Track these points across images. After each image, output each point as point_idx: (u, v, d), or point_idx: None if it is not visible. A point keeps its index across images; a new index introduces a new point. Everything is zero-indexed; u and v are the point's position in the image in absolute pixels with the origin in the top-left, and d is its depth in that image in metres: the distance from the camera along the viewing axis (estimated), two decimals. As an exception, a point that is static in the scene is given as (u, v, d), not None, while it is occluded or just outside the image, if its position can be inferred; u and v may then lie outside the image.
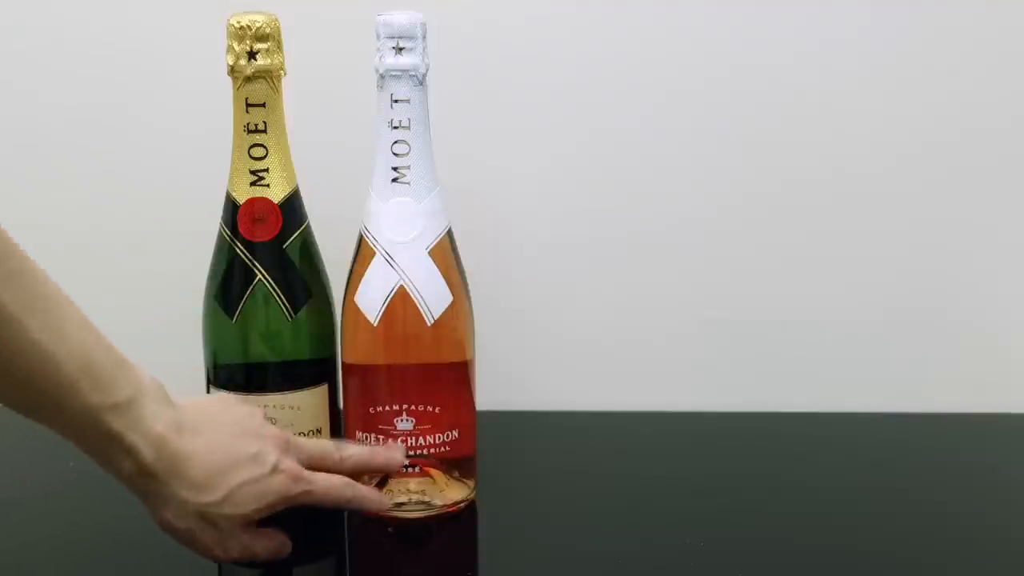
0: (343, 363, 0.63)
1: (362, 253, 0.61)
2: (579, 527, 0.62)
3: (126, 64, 0.80)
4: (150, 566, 0.57)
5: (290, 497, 0.52)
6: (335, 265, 0.64)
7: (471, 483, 0.64)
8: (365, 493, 0.57)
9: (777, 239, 0.81)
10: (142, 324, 0.78)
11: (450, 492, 0.62)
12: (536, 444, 0.76)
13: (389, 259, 0.59)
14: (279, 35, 0.59)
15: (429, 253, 0.60)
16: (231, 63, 0.58)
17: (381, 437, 0.61)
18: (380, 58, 0.58)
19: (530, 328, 0.83)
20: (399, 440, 0.60)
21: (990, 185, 0.80)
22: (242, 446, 0.50)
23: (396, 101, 0.58)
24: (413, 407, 0.60)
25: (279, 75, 0.60)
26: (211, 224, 0.62)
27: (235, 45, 0.58)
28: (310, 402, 0.62)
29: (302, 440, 0.56)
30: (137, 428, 0.46)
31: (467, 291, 0.63)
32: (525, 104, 0.80)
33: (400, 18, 0.57)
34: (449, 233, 0.62)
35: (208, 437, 0.49)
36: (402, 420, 0.60)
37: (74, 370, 0.43)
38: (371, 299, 0.60)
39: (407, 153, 0.59)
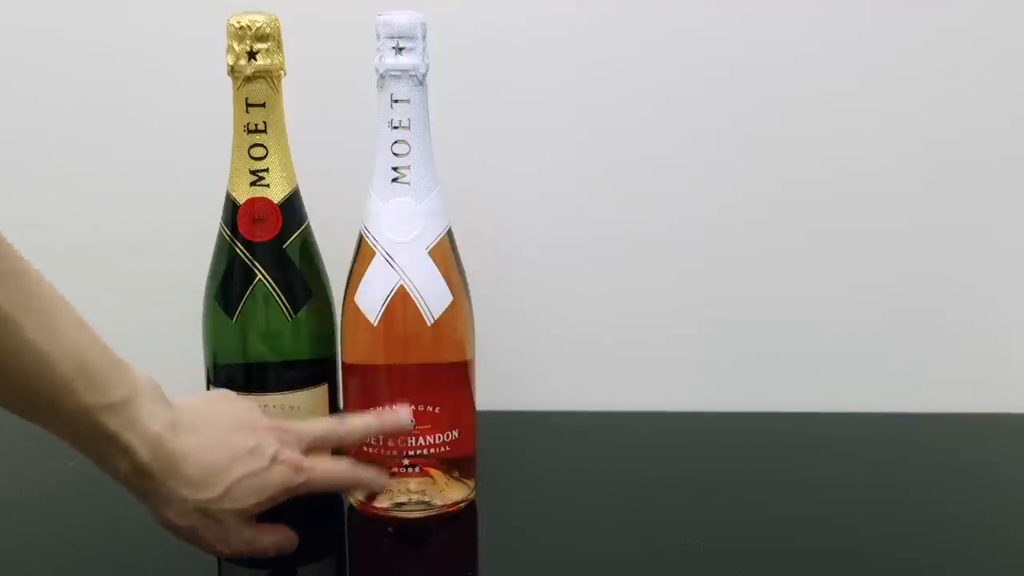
0: (343, 363, 0.63)
1: (362, 253, 0.61)
2: (579, 527, 0.62)
3: (126, 64, 0.81)
4: (148, 566, 0.57)
5: (292, 487, 0.52)
6: (335, 265, 0.64)
7: (471, 483, 0.64)
8: (366, 475, 0.57)
9: (777, 239, 0.81)
10: (142, 324, 0.78)
11: (450, 492, 0.62)
12: (536, 444, 0.76)
13: (389, 259, 0.59)
14: (279, 35, 0.59)
15: (429, 253, 0.60)
16: (231, 63, 0.58)
17: (381, 436, 0.61)
18: (380, 58, 0.58)
19: (530, 328, 0.83)
20: (399, 440, 0.60)
21: (990, 185, 0.80)
22: (239, 440, 0.50)
23: (396, 101, 0.58)
24: (413, 407, 0.60)
25: (279, 75, 0.60)
26: (211, 224, 0.62)
27: (235, 45, 0.58)
28: (310, 402, 0.62)
29: (303, 425, 0.55)
30: (133, 428, 0.46)
31: (467, 291, 0.63)
32: (525, 104, 0.80)
33: (400, 18, 0.57)
34: (449, 233, 0.62)
35: (205, 434, 0.49)
36: (402, 420, 0.60)
37: (69, 370, 0.43)
38: (371, 299, 0.60)
39: (407, 153, 0.59)
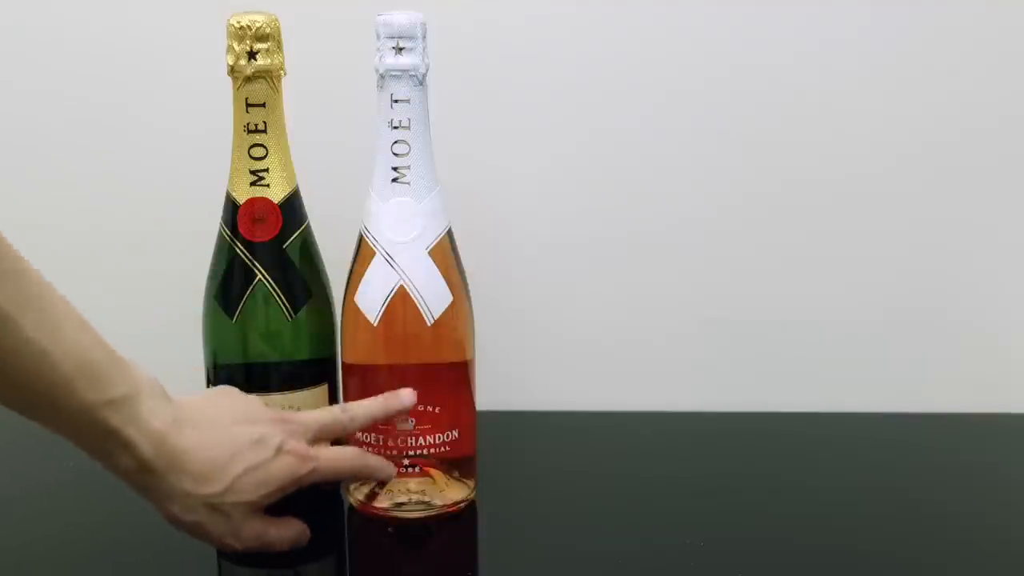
0: (343, 363, 0.63)
1: (362, 253, 0.61)
2: (579, 527, 0.62)
3: (126, 64, 0.81)
4: (149, 564, 0.57)
5: (298, 477, 0.52)
6: (335, 265, 0.64)
7: (471, 483, 0.64)
8: (374, 462, 0.57)
9: (777, 239, 0.81)
10: (142, 324, 0.78)
11: (450, 492, 0.62)
12: (536, 444, 0.76)
13: (389, 259, 0.59)
14: (279, 35, 0.59)
15: (429, 253, 0.60)
16: (231, 63, 0.58)
17: (381, 436, 0.61)
18: (380, 58, 0.58)
19: (530, 328, 0.83)
20: (399, 440, 0.60)
21: (990, 185, 0.80)
22: (242, 433, 0.50)
23: (396, 101, 0.58)
24: (413, 407, 0.60)
25: (279, 75, 0.60)
26: (211, 224, 0.62)
27: (235, 45, 0.58)
28: (310, 402, 0.62)
29: (306, 415, 0.55)
30: (135, 424, 0.46)
31: (467, 291, 0.63)
32: (525, 104, 0.80)
33: (400, 18, 0.57)
34: (449, 233, 0.62)
35: (207, 429, 0.49)
36: (402, 420, 0.60)
37: (70, 369, 0.43)
38: (371, 299, 0.60)
39: (407, 153, 0.59)
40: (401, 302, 0.59)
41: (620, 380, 0.84)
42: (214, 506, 0.49)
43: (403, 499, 0.61)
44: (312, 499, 0.55)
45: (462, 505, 0.63)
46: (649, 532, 0.61)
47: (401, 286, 0.59)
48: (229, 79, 0.59)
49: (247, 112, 0.59)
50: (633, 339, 0.83)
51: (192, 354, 0.64)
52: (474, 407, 0.64)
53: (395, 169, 0.59)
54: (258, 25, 0.58)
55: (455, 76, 0.74)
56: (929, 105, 0.79)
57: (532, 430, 0.79)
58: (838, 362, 0.83)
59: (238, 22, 0.58)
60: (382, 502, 0.61)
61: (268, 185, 0.60)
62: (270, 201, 0.60)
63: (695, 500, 0.66)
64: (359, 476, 0.57)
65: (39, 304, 0.43)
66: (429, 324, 0.60)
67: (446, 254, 0.61)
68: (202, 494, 0.48)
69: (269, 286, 0.60)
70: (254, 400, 0.55)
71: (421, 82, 0.59)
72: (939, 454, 0.75)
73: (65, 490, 0.66)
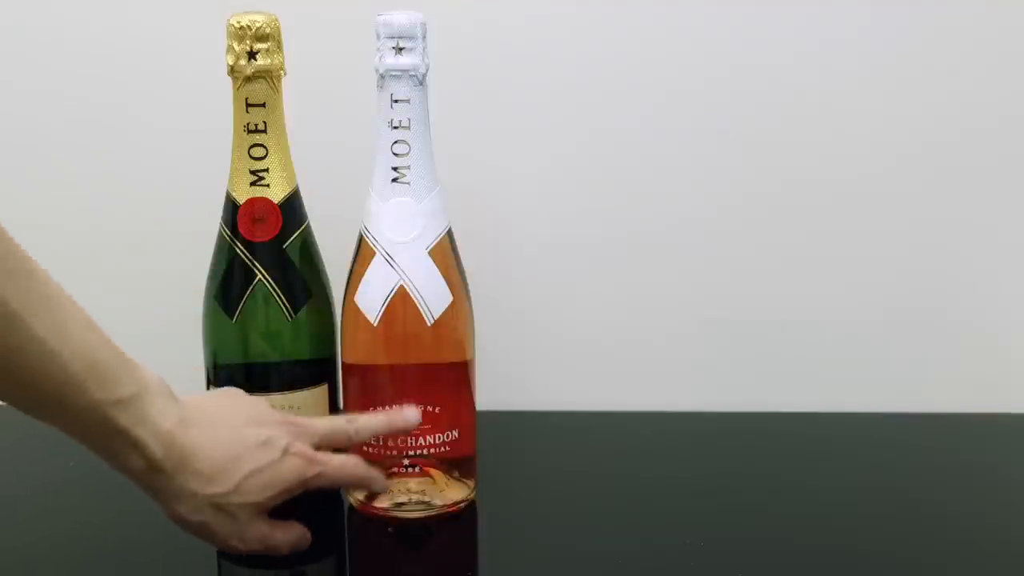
0: (343, 363, 0.63)
1: (362, 253, 0.61)
2: (579, 527, 0.62)
3: (126, 64, 0.81)
4: (151, 563, 0.57)
5: (305, 480, 0.52)
6: (335, 265, 0.64)
7: (471, 483, 0.64)
8: (373, 474, 0.57)
9: (777, 239, 0.81)
10: (142, 324, 0.78)
11: (450, 492, 0.62)
12: (536, 444, 0.76)
13: (389, 259, 0.59)
14: (279, 35, 0.59)
15: (429, 253, 0.60)
16: (231, 63, 0.58)
17: (381, 436, 0.61)
18: (380, 58, 0.58)
19: (530, 328, 0.83)
20: (399, 440, 0.60)
21: (990, 185, 0.80)
22: (250, 434, 0.50)
23: (396, 101, 0.58)
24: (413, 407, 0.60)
25: (279, 75, 0.60)
26: (211, 224, 0.62)
27: (235, 45, 0.58)
28: (310, 402, 0.62)
29: (311, 421, 0.55)
30: (144, 423, 0.46)
31: (467, 291, 0.63)
32: (525, 104, 0.80)
33: (400, 18, 0.57)
34: (449, 233, 0.61)
35: (215, 430, 0.49)
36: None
37: (79, 368, 0.43)
38: (371, 299, 0.60)
39: (407, 153, 0.59)
40: (401, 302, 0.59)
41: (620, 380, 0.84)
42: (221, 507, 0.49)
43: (403, 499, 0.61)
44: (313, 499, 0.55)
45: (462, 505, 0.63)
46: (649, 532, 0.61)
47: (401, 286, 0.59)
48: (229, 79, 0.59)
49: (247, 112, 0.59)
50: (633, 339, 0.83)
51: (192, 354, 0.64)
52: (474, 407, 0.64)
53: (395, 169, 0.59)
54: (258, 25, 0.58)
55: (455, 76, 0.74)
56: (929, 105, 0.79)
57: (532, 430, 0.79)
58: (838, 362, 0.83)
59: (238, 22, 0.58)
60: (382, 502, 0.61)
61: (268, 185, 0.60)
62: (270, 201, 0.60)
63: (695, 500, 0.66)
64: (358, 485, 0.57)
65: (47, 303, 0.43)
66: (429, 324, 0.60)
67: (446, 254, 0.61)
68: (209, 494, 0.48)
69: (269, 286, 0.60)
70: (260, 402, 0.55)
71: (421, 82, 0.59)
72: (939, 454, 0.75)
73: (68, 489, 0.66)
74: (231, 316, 0.61)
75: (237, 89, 0.59)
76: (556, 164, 0.81)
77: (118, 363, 0.46)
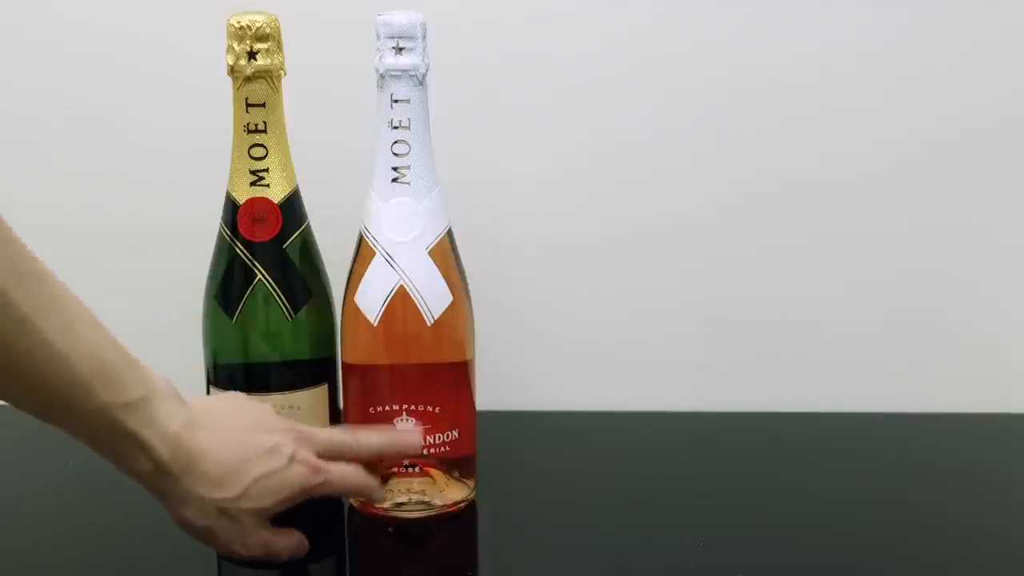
0: (343, 363, 0.63)
1: (362, 253, 0.61)
2: (579, 527, 0.62)
3: (126, 64, 0.81)
4: (151, 564, 0.57)
5: (309, 488, 0.52)
6: (335, 265, 0.64)
7: (471, 483, 0.64)
8: (373, 484, 0.57)
9: (777, 239, 0.81)
10: (142, 324, 0.78)
11: (450, 492, 0.62)
12: (536, 444, 0.76)
13: (389, 259, 0.59)
14: (279, 35, 0.59)
15: (429, 253, 0.60)
16: (231, 63, 0.58)
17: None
18: (380, 58, 0.58)
19: (530, 328, 0.83)
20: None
21: (990, 185, 0.80)
22: (257, 440, 0.50)
23: (396, 101, 0.58)
24: (413, 407, 0.60)
25: (279, 75, 0.60)
26: (211, 224, 0.62)
27: (235, 45, 0.58)
28: (310, 402, 0.62)
29: (317, 431, 0.55)
30: (151, 426, 0.46)
31: (467, 291, 0.63)
32: (525, 104, 0.80)
33: (400, 18, 0.57)
34: (449, 233, 0.62)
35: (222, 434, 0.49)
36: (402, 420, 0.60)
37: (87, 370, 0.43)
38: (371, 299, 0.60)
39: (407, 153, 0.59)
40: (401, 302, 0.59)
41: (620, 380, 0.84)
42: (226, 511, 0.49)
43: (403, 499, 0.61)
44: (313, 502, 0.55)
45: (462, 505, 0.63)
46: (649, 532, 0.61)
47: (401, 286, 0.59)
48: (229, 79, 0.59)
49: (247, 112, 0.59)
50: (633, 339, 0.83)
51: (192, 354, 0.64)
52: (474, 407, 0.64)
53: (395, 169, 0.59)
54: (258, 25, 0.58)
55: (455, 76, 0.74)
56: (929, 105, 0.79)
57: (532, 430, 0.79)
58: (838, 362, 0.83)
59: (238, 22, 0.58)
60: (382, 502, 0.61)
61: (268, 185, 0.60)
62: (270, 201, 0.60)
63: (695, 500, 0.66)
64: (357, 494, 0.57)
65: (54, 304, 0.42)
66: (429, 324, 0.60)
67: (446, 254, 0.61)
68: (216, 498, 0.48)
69: (269, 286, 0.60)
70: (266, 408, 0.55)
71: (421, 82, 0.59)
72: (939, 454, 0.75)
73: (69, 489, 0.66)
74: (231, 316, 0.61)
75: (237, 89, 0.59)
76: (556, 164, 0.81)
77: (124, 364, 0.45)
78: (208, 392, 0.63)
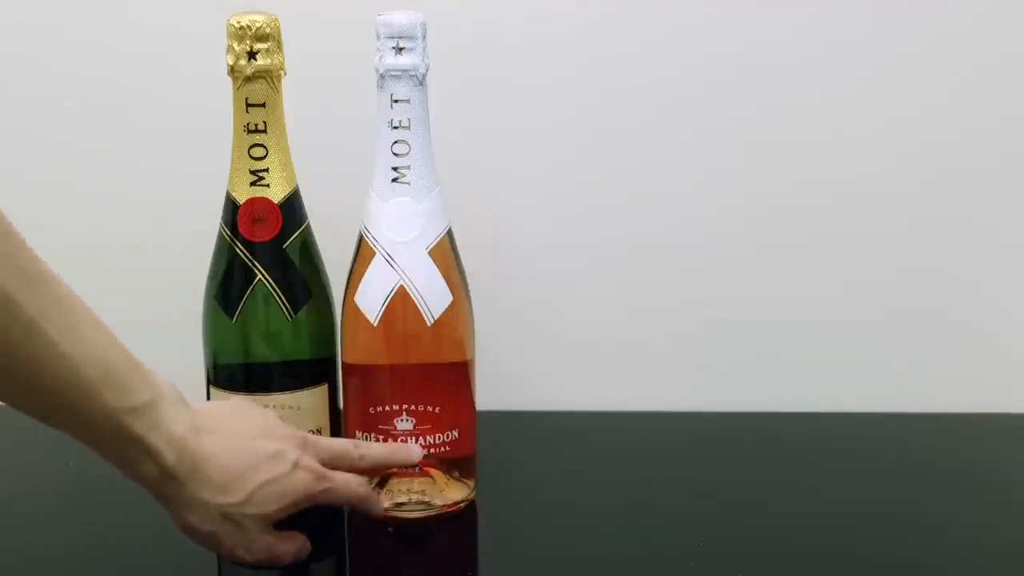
0: (343, 363, 0.63)
1: (362, 253, 0.61)
2: (579, 527, 0.62)
3: (126, 64, 0.81)
4: (151, 565, 0.57)
5: (312, 495, 0.52)
6: (335, 265, 0.64)
7: (471, 483, 0.64)
8: (374, 497, 0.58)
9: (777, 239, 0.81)
10: (142, 324, 0.78)
11: (450, 492, 0.62)
12: (536, 444, 0.76)
13: (389, 259, 0.59)
14: (279, 35, 0.59)
15: (429, 253, 0.60)
16: (231, 63, 0.58)
17: (381, 437, 0.61)
18: (380, 58, 0.58)
19: (530, 328, 0.83)
20: (399, 440, 0.60)
21: (990, 185, 0.80)
22: (261, 446, 0.51)
23: (396, 101, 0.58)
24: (413, 407, 0.60)
25: (279, 75, 0.60)
26: (211, 224, 0.62)
27: (235, 45, 0.58)
28: (310, 402, 0.62)
29: (319, 439, 0.56)
30: (158, 430, 0.46)
31: (467, 291, 0.63)
32: (525, 104, 0.80)
33: (400, 18, 0.57)
34: (449, 233, 0.61)
35: (227, 439, 0.50)
36: (402, 420, 0.60)
37: (92, 374, 0.43)
38: (371, 299, 0.60)
39: (407, 153, 0.59)
40: (401, 302, 0.59)
41: (620, 380, 0.84)
42: (230, 516, 0.49)
43: (403, 499, 0.61)
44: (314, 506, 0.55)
45: (462, 505, 0.63)
46: (649, 532, 0.61)
47: (401, 286, 0.59)
48: (229, 79, 0.59)
49: (247, 112, 0.59)
50: (633, 339, 0.83)
51: (192, 354, 0.64)
52: (474, 407, 0.64)
53: (395, 169, 0.59)
54: (258, 25, 0.58)
55: (455, 76, 0.74)
56: (929, 105, 0.79)
57: (532, 430, 0.79)
58: (838, 362, 0.83)
59: (238, 22, 0.58)
60: (382, 502, 0.61)
61: (268, 185, 0.60)
62: (270, 201, 0.60)
63: (695, 500, 0.66)
64: (358, 505, 0.57)
65: (59, 306, 0.42)
66: (429, 324, 0.60)
67: (446, 254, 0.61)
68: (221, 503, 0.48)
69: (269, 286, 0.60)
70: (269, 414, 0.55)
71: (421, 82, 0.59)
72: (939, 454, 0.75)
73: (69, 489, 0.66)
74: (231, 316, 0.61)
75: (237, 89, 0.59)
76: (556, 164, 0.81)
77: (129, 368, 0.45)
78: (208, 392, 0.63)
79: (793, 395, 0.82)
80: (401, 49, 0.57)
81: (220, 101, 0.61)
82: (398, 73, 0.58)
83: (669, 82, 0.79)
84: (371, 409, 0.61)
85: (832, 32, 0.78)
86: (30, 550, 0.59)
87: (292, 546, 0.54)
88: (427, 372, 0.61)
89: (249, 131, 0.59)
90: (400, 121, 0.59)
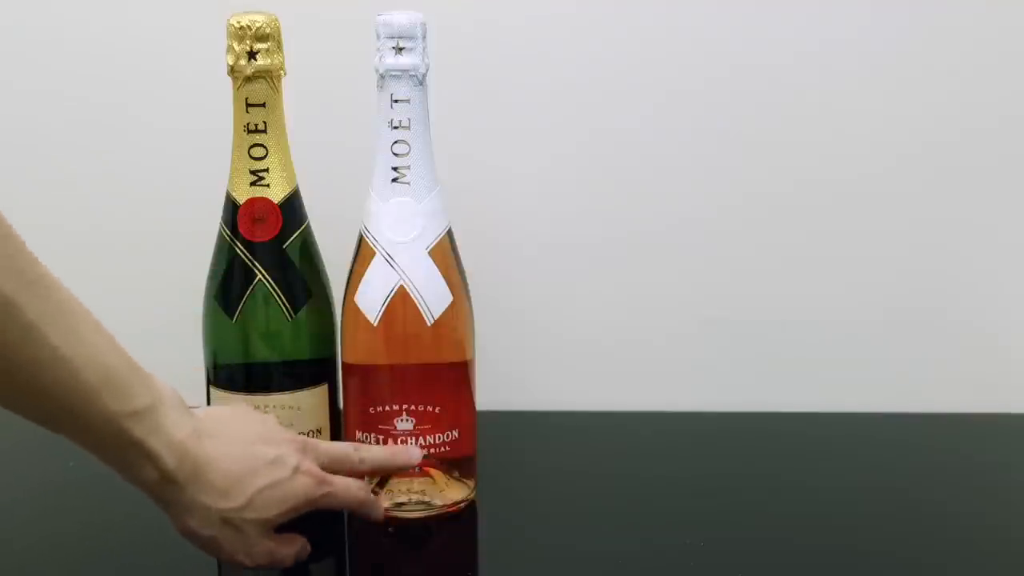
0: (343, 363, 0.63)
1: (362, 253, 0.61)
2: (579, 527, 0.62)
3: (126, 64, 0.81)
4: (151, 565, 0.57)
5: (313, 499, 0.52)
6: (335, 265, 0.64)
7: (471, 483, 0.64)
8: (374, 501, 0.58)
9: (777, 239, 0.81)
10: (142, 324, 0.78)
11: (450, 492, 0.62)
12: (536, 444, 0.76)
13: (389, 259, 0.59)
14: (279, 35, 0.59)
15: (429, 253, 0.60)
16: (231, 63, 0.58)
17: (381, 437, 0.61)
18: (380, 58, 0.58)
19: (530, 328, 0.83)
20: (399, 440, 0.60)
21: (990, 185, 0.80)
22: (261, 451, 0.51)
23: (396, 101, 0.58)
24: (413, 407, 0.60)
25: (279, 75, 0.60)
26: (211, 224, 0.62)
27: (235, 45, 0.58)
28: (310, 402, 0.62)
29: (320, 443, 0.56)
30: (158, 435, 0.46)
31: (467, 291, 0.63)
32: (525, 104, 0.80)
33: (400, 18, 0.57)
34: (449, 233, 0.62)
35: (228, 444, 0.50)
36: (402, 420, 0.60)
37: (93, 378, 0.43)
38: (371, 299, 0.60)
39: (407, 153, 0.59)
40: (401, 302, 0.59)
41: (620, 380, 0.84)
42: (230, 521, 0.49)
43: (403, 499, 0.61)
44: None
45: (462, 505, 0.63)
46: (649, 532, 0.61)
47: (401, 286, 0.59)
48: (229, 79, 0.59)
49: (247, 112, 0.59)
50: (633, 339, 0.83)
51: (192, 354, 0.64)
52: (474, 407, 0.64)
53: (395, 169, 0.59)
54: (258, 25, 0.58)
55: (455, 76, 0.74)
56: (929, 105, 0.79)
57: (532, 430, 0.79)
58: (838, 362, 0.83)
59: (238, 22, 0.58)
60: (382, 502, 0.61)
61: (268, 185, 0.60)
62: (270, 201, 0.60)
63: (695, 500, 0.66)
64: (358, 509, 0.57)
65: (60, 310, 0.42)
66: (429, 324, 0.60)
67: (446, 254, 0.61)
68: (221, 508, 0.48)
69: (269, 286, 0.60)
70: (269, 419, 0.55)
71: (421, 82, 0.59)
72: (939, 454, 0.75)
73: (68, 490, 0.66)
74: (231, 316, 0.61)
75: (237, 89, 0.59)
76: (556, 164, 0.81)
77: (130, 371, 0.45)
78: (208, 392, 0.63)
79: (793, 395, 0.82)
80: (401, 49, 0.57)
81: (220, 101, 0.61)
82: (398, 73, 0.58)
83: (669, 82, 0.79)
84: (371, 409, 0.61)
85: (832, 32, 0.78)
86: (30, 550, 0.59)
87: (292, 549, 0.54)
88: (427, 372, 0.62)
89: (249, 131, 0.59)
90: (400, 121, 0.59)
